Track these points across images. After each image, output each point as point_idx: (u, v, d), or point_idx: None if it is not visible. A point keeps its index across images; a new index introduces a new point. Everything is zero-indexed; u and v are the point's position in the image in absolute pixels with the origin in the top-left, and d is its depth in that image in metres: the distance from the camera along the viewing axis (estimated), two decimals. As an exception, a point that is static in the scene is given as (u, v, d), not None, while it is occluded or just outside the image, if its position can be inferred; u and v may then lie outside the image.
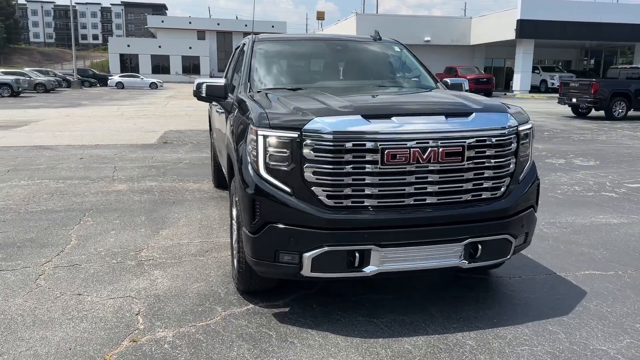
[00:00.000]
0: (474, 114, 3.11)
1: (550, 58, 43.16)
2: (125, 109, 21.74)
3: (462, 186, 3.05)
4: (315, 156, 2.88)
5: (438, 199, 3.03)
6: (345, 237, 2.91)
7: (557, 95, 20.44)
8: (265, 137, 2.96)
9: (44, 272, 4.00)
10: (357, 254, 2.93)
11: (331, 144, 2.86)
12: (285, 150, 2.92)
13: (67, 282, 3.82)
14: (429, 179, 2.98)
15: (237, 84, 4.29)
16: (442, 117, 3.04)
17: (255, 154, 3.02)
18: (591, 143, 11.99)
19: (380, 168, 2.89)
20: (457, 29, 38.33)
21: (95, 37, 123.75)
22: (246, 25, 70.97)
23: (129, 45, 62.40)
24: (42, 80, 35.69)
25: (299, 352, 2.90)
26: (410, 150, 2.90)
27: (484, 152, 3.06)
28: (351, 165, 2.88)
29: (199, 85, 4.23)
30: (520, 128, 3.24)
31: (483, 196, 3.13)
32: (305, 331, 3.12)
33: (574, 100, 18.67)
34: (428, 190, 3.00)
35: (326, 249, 2.90)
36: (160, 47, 61.42)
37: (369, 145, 2.87)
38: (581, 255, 4.48)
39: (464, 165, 3.01)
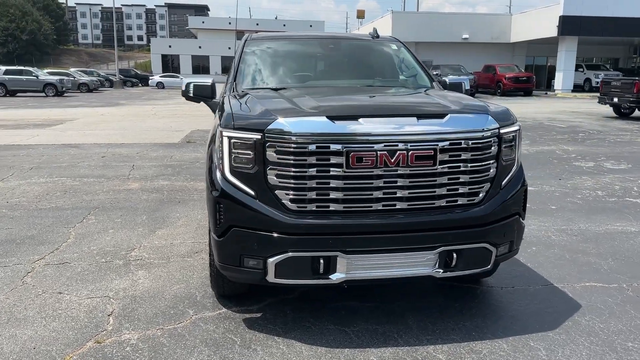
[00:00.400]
0: (448, 115, 2.94)
1: (597, 55, 41.52)
2: (159, 108, 22.20)
3: (434, 191, 2.90)
4: (278, 158, 2.79)
5: (409, 205, 2.89)
6: (309, 242, 2.81)
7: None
8: (229, 138, 2.89)
9: (33, 269, 4.06)
10: (322, 261, 2.83)
11: (294, 145, 2.76)
12: (249, 152, 2.85)
13: (52, 280, 3.86)
14: (399, 184, 2.84)
15: (226, 84, 4.25)
16: (414, 119, 2.88)
17: (220, 155, 2.96)
18: (627, 145, 11.39)
19: (345, 171, 2.77)
20: (497, 26, 37.33)
21: (140, 38, 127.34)
22: (284, 25, 71.56)
23: (170, 46, 63.85)
24: (85, 80, 36.99)
25: (259, 360, 2.82)
26: (377, 154, 2.77)
27: (459, 155, 2.89)
28: (315, 169, 2.77)
29: (187, 85, 4.21)
30: (503, 130, 3.05)
31: (459, 202, 2.96)
32: (272, 338, 3.04)
33: (616, 99, 17.82)
34: (398, 195, 2.86)
35: (290, 254, 2.80)
36: (200, 47, 62.54)
37: (333, 147, 2.76)
38: (586, 265, 4.22)
39: (436, 169, 2.86)
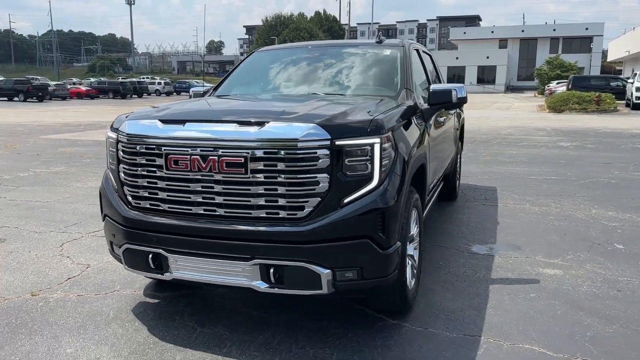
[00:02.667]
0: (269, 123, 2.77)
1: None
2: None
3: (249, 201, 2.78)
4: (122, 157, 3.10)
5: (225, 212, 2.85)
6: (138, 237, 3.04)
7: None
8: (107, 137, 3.32)
9: (79, 237, 5.15)
10: (150, 256, 3.02)
11: (130, 145, 3.04)
12: (113, 150, 3.22)
13: (79, 247, 4.85)
14: (215, 190, 2.84)
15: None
16: (233, 125, 2.82)
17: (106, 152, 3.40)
18: None
19: (166, 173, 2.92)
20: None
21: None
22: (554, 30, 65.78)
23: (427, 58, 65.27)
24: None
25: (66, 341, 3.07)
26: (190, 157, 2.83)
27: (275, 165, 2.71)
28: (145, 168, 2.99)
29: (191, 92, 4.74)
30: (342, 142, 2.71)
31: (280, 215, 2.76)
32: (126, 325, 3.26)
33: None
34: (216, 201, 2.85)
35: (127, 246, 3.09)
36: (457, 58, 62.31)
37: (157, 149, 2.93)
38: (572, 326, 3.19)
39: (249, 178, 2.74)
